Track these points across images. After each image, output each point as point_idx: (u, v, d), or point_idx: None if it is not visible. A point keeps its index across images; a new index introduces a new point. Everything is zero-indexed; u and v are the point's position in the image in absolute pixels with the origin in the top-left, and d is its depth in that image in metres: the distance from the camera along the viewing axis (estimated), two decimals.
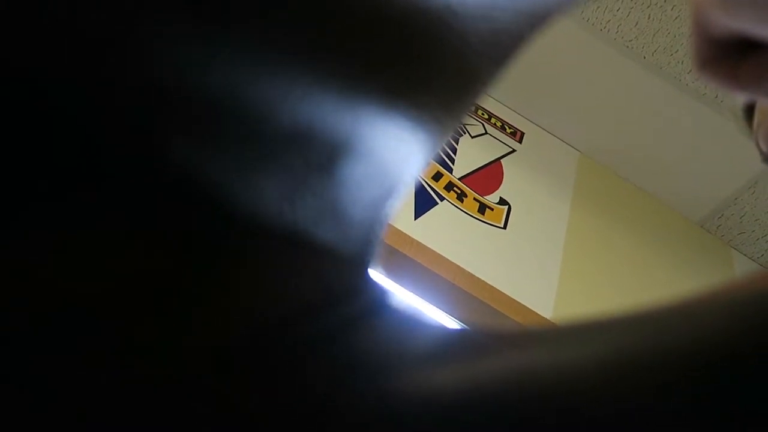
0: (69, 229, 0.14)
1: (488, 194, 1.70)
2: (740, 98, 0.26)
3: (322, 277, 0.19)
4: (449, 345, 0.18)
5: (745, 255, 2.00)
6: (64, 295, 0.14)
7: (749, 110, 0.32)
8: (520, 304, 1.49)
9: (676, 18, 1.64)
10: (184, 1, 0.15)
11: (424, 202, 1.58)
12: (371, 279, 0.20)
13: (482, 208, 1.65)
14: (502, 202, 1.70)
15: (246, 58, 0.16)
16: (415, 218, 1.53)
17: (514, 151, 1.84)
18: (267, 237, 0.17)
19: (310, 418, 0.15)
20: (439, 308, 1.49)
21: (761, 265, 2.00)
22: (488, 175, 1.74)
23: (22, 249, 0.14)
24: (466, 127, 1.78)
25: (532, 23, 0.22)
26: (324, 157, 0.18)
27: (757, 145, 0.29)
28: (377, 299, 0.20)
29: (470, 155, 1.75)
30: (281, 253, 0.18)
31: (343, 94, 0.18)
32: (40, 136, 0.13)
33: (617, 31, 1.71)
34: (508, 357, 0.17)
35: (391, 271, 1.46)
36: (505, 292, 1.49)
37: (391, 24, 0.18)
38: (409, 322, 0.20)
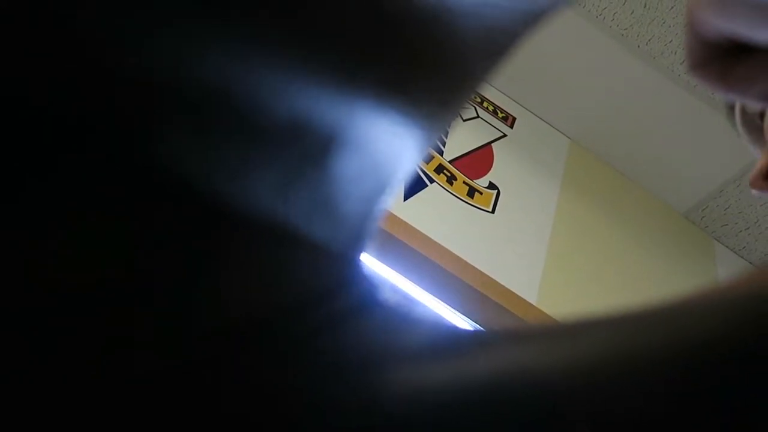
0: (61, 222, 0.14)
1: (478, 178, 1.70)
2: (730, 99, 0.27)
3: (312, 272, 0.19)
4: (439, 341, 0.18)
5: (726, 246, 2.03)
6: (61, 291, 0.14)
7: (732, 108, 0.33)
8: (505, 288, 1.51)
9: (672, 8, 1.64)
10: None
11: (413, 183, 1.58)
12: (361, 274, 0.20)
13: (471, 191, 1.66)
14: (492, 186, 1.71)
15: (242, 51, 0.16)
16: (405, 200, 1.53)
17: (505, 135, 1.84)
18: (259, 232, 0.17)
19: (297, 413, 0.16)
20: (425, 290, 1.50)
21: (742, 257, 2.02)
22: (478, 159, 1.75)
23: (15, 243, 0.14)
24: None
25: (527, 21, 0.22)
26: (318, 151, 0.18)
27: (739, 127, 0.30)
28: (367, 294, 0.20)
29: (461, 138, 1.75)
30: (272, 249, 0.18)
31: (337, 88, 0.18)
32: (30, 130, 0.13)
33: (613, 19, 1.71)
34: (498, 355, 0.17)
35: (378, 252, 1.47)
36: (491, 275, 1.51)
37: (385, 19, 0.18)
38: (399, 318, 0.20)
